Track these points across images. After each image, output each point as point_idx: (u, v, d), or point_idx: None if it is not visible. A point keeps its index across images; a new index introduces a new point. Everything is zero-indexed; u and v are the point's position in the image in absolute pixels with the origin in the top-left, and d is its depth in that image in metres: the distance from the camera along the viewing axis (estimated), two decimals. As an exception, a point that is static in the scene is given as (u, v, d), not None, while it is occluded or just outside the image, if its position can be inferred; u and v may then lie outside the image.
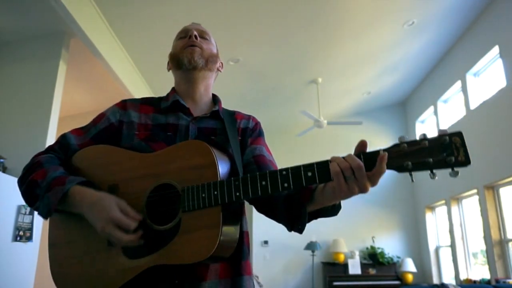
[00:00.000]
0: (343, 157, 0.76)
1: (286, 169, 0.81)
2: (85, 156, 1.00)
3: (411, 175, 0.74)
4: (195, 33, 1.09)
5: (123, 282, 0.86)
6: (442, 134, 0.71)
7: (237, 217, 0.91)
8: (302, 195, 0.89)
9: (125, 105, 1.07)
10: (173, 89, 1.12)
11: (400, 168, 0.74)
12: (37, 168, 0.93)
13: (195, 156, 0.88)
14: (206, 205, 0.84)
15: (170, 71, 1.15)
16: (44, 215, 0.89)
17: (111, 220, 0.83)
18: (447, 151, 0.70)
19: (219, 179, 0.85)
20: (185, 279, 0.88)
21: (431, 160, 0.72)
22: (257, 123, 1.13)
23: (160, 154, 0.94)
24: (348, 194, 0.77)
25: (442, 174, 0.72)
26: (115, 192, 0.93)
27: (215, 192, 0.83)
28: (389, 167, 0.74)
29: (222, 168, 0.88)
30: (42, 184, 0.90)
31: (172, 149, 0.93)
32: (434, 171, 0.72)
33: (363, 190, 0.76)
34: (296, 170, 0.80)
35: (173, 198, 0.88)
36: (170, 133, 1.00)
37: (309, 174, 0.78)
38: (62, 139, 1.02)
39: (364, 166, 0.74)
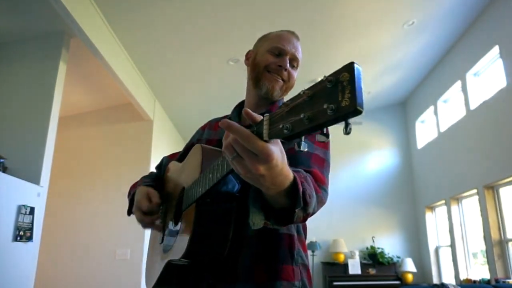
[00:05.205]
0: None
1: (223, 158, 0.69)
2: (166, 171, 1.23)
3: (299, 145, 0.52)
4: (288, 61, 1.09)
5: (159, 274, 0.99)
6: (329, 75, 0.46)
7: (225, 216, 0.87)
8: None
9: (205, 125, 1.22)
10: (238, 104, 1.22)
11: (280, 135, 0.51)
12: (136, 182, 1.21)
13: (194, 158, 0.96)
14: (190, 203, 0.89)
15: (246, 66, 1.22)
16: (128, 213, 1.15)
17: (136, 203, 1.03)
18: (330, 98, 0.45)
19: (200, 178, 0.85)
20: (218, 280, 0.91)
21: (302, 116, 0.48)
22: None
23: (185, 162, 1.06)
24: (249, 178, 0.61)
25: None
26: (168, 199, 1.11)
27: (193, 190, 0.88)
28: (271, 136, 0.54)
29: (208, 166, 0.87)
30: (132, 191, 1.16)
31: (188, 155, 1.03)
32: (325, 130, 0.50)
33: (252, 169, 0.57)
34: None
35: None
36: None
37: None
38: (160, 160, 1.32)
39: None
